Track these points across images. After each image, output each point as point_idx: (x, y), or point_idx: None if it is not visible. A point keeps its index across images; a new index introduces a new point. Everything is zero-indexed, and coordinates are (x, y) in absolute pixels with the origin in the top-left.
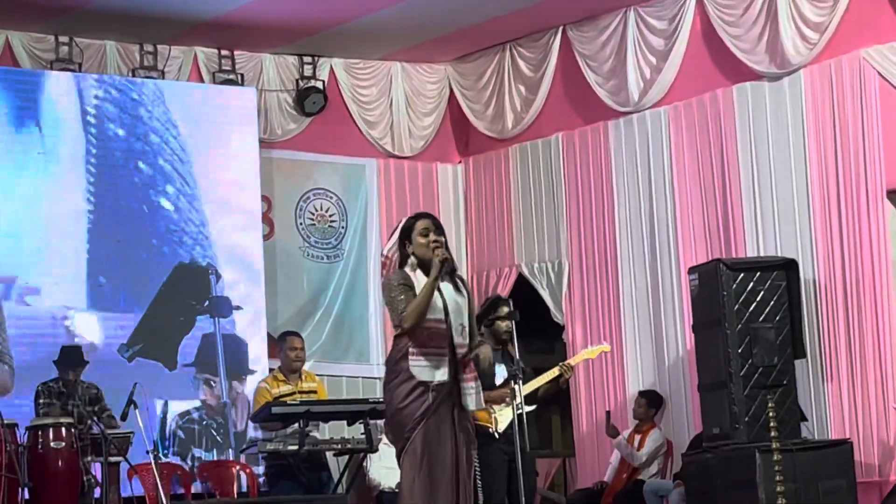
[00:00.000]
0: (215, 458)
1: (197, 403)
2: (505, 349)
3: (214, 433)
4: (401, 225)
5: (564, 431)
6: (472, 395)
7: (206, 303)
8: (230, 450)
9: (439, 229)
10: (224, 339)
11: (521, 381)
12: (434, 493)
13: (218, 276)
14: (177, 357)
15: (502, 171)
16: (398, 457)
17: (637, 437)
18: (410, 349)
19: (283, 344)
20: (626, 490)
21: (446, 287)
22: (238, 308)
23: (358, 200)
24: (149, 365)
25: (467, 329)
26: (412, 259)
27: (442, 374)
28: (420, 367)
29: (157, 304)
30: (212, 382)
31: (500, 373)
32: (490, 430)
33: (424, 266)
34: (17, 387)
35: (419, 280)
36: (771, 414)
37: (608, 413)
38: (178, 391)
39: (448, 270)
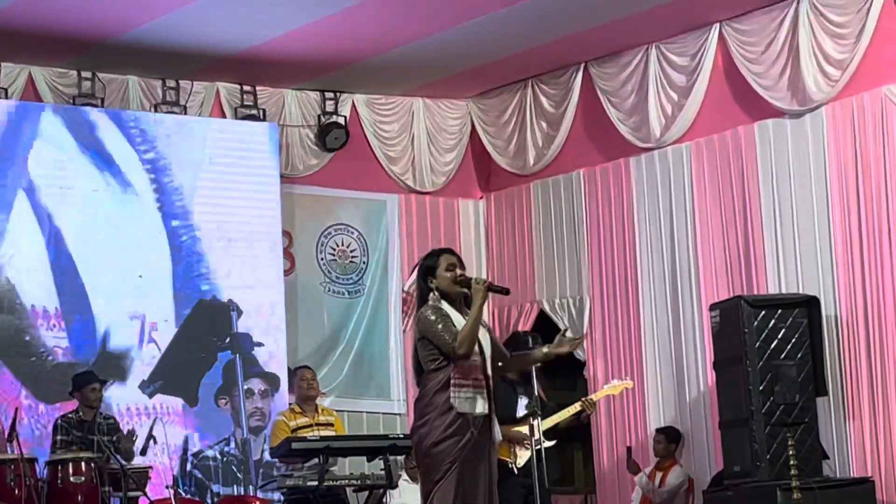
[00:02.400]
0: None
1: (217, 439)
2: (529, 383)
3: (235, 469)
4: (421, 261)
5: (586, 467)
6: (498, 426)
7: (228, 339)
8: (251, 486)
9: (462, 264)
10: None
11: (539, 418)
12: None
13: (239, 313)
14: (198, 393)
15: (524, 206)
16: (428, 493)
17: (658, 475)
18: (453, 381)
19: (295, 377)
20: None
21: None
22: (259, 344)
23: (379, 236)
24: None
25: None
26: (435, 294)
27: (483, 407)
28: (462, 399)
29: (179, 340)
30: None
31: (522, 405)
32: (510, 464)
33: (449, 300)
34: None
35: (449, 310)
36: (791, 452)
37: (629, 449)
38: (199, 427)
39: (502, 291)
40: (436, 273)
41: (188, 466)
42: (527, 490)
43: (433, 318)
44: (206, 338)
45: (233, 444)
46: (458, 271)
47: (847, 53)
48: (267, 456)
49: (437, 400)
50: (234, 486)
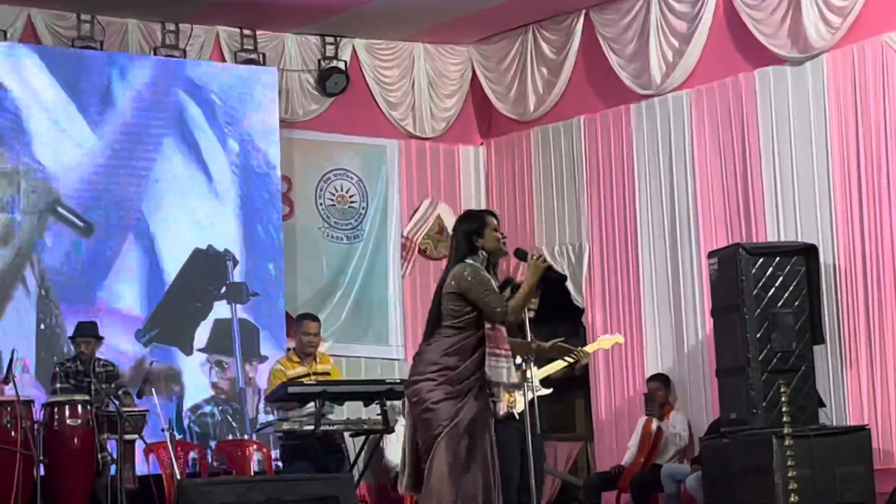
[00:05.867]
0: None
1: (210, 392)
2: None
3: (230, 419)
4: (464, 220)
5: (588, 415)
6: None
7: (224, 289)
8: (245, 435)
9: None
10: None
11: (532, 365)
12: (469, 477)
13: (235, 262)
14: (193, 342)
15: (524, 153)
16: (431, 443)
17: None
18: (488, 350)
19: (298, 327)
20: (643, 474)
21: None
22: (255, 294)
23: (378, 181)
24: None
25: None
26: (482, 253)
27: (513, 377)
28: (495, 369)
29: (174, 289)
30: (224, 364)
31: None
32: (511, 410)
33: (488, 261)
34: None
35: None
36: (783, 399)
37: (648, 395)
38: (193, 376)
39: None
40: (483, 233)
41: (186, 421)
42: (523, 435)
43: (478, 278)
44: (201, 287)
45: (225, 398)
46: (502, 233)
47: (848, 1)
48: (262, 416)
49: (446, 361)
50: (230, 435)
